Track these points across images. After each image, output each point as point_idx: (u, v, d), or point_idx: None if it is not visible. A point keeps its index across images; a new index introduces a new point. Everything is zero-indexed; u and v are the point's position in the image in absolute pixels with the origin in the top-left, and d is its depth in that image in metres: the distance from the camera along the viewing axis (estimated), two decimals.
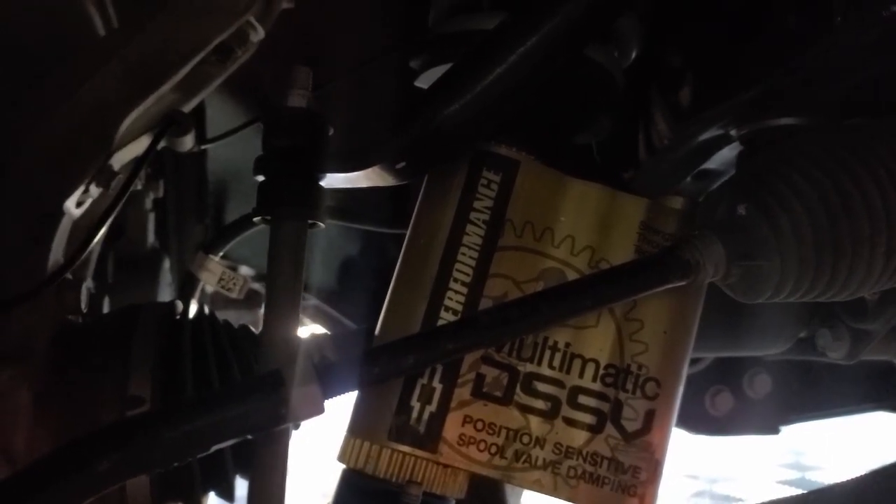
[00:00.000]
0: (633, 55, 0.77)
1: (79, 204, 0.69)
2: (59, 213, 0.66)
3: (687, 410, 1.09)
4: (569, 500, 0.63)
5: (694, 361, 1.05)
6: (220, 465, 0.67)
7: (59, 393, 0.63)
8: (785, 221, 0.57)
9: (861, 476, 0.97)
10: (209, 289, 0.87)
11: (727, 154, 0.79)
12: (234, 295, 0.85)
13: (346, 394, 0.59)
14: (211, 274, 0.83)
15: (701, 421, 1.12)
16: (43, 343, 0.63)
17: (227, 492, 0.68)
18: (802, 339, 0.92)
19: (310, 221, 0.64)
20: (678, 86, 0.83)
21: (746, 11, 0.73)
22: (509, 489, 1.05)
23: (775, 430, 1.15)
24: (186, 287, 0.82)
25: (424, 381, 0.62)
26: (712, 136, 0.77)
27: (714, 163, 0.81)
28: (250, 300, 1.27)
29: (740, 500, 2.74)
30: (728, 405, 1.12)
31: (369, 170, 0.64)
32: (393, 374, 0.58)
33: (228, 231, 0.84)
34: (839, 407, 1.17)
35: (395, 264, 0.66)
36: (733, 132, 0.76)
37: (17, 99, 0.70)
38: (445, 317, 0.63)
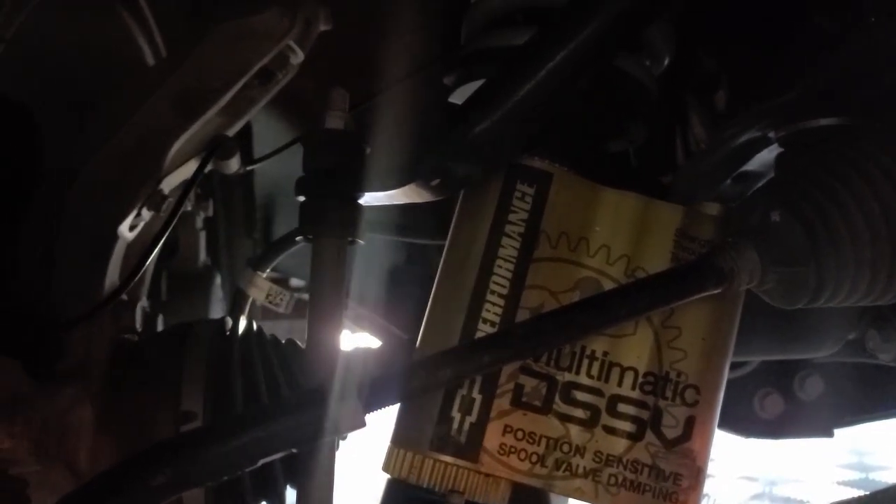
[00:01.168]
0: (666, 62, 0.77)
1: (132, 227, 0.72)
2: (114, 237, 0.70)
3: (735, 413, 1.08)
4: None
5: (740, 364, 1.04)
6: (272, 476, 0.69)
7: (117, 409, 0.66)
8: (820, 227, 0.57)
9: None
10: (258, 302, 0.90)
11: (766, 156, 0.78)
12: (281, 310, 0.87)
13: (386, 407, 0.60)
14: (259, 290, 0.86)
15: (751, 424, 1.10)
16: (102, 361, 0.66)
17: (277, 502, 0.71)
18: (852, 340, 0.91)
19: (349, 239, 0.66)
20: (713, 89, 0.83)
21: (780, 13, 0.73)
22: (554, 497, 1.06)
23: (829, 433, 1.13)
24: (236, 303, 0.85)
25: (464, 391, 0.63)
26: (750, 139, 0.76)
27: (754, 165, 0.80)
28: (300, 310, 1.30)
29: (802, 502, 2.67)
30: (778, 408, 1.10)
31: (406, 187, 0.66)
32: (432, 387, 0.60)
33: (274, 248, 0.87)
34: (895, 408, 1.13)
35: None
36: (771, 134, 0.75)
37: (73, 129, 0.74)
38: (483, 329, 0.64)
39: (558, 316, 0.62)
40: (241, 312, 0.83)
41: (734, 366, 0.73)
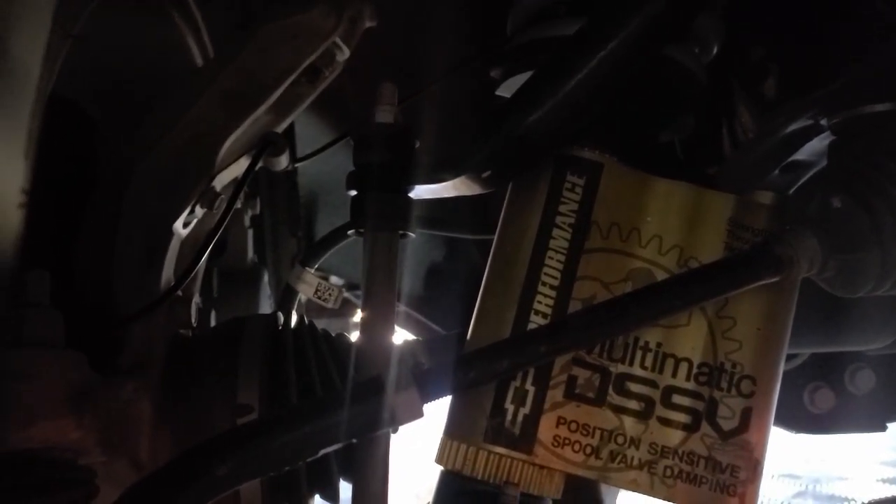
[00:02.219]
0: (715, 50, 0.76)
1: (186, 224, 0.74)
2: (169, 234, 0.71)
3: (785, 408, 1.06)
4: (667, 499, 0.63)
5: (789, 357, 1.02)
6: (326, 468, 0.70)
7: (175, 402, 0.67)
8: (885, 212, 0.56)
9: None
10: (303, 298, 0.91)
11: (817, 144, 0.77)
12: (329, 305, 0.88)
13: (441, 398, 0.61)
14: (308, 286, 0.87)
15: (801, 419, 1.08)
16: (160, 356, 0.68)
17: (332, 494, 0.71)
18: None
19: (400, 232, 0.66)
20: (762, 77, 0.82)
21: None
22: (605, 488, 1.05)
23: (882, 428, 1.10)
24: (286, 299, 0.86)
25: (517, 383, 0.63)
26: (801, 127, 0.75)
27: (803, 154, 0.79)
28: (341, 308, 1.31)
29: (846, 499, 2.63)
30: (829, 402, 1.08)
31: (456, 180, 0.66)
32: (488, 378, 0.60)
33: (323, 244, 0.88)
34: None
35: (479, 268, 0.68)
36: (823, 121, 0.74)
37: (127, 129, 0.75)
38: (535, 321, 0.64)
39: (613, 306, 0.61)
40: (291, 307, 0.84)
41: (785, 358, 0.72)
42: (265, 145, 0.77)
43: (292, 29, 0.75)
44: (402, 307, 1.36)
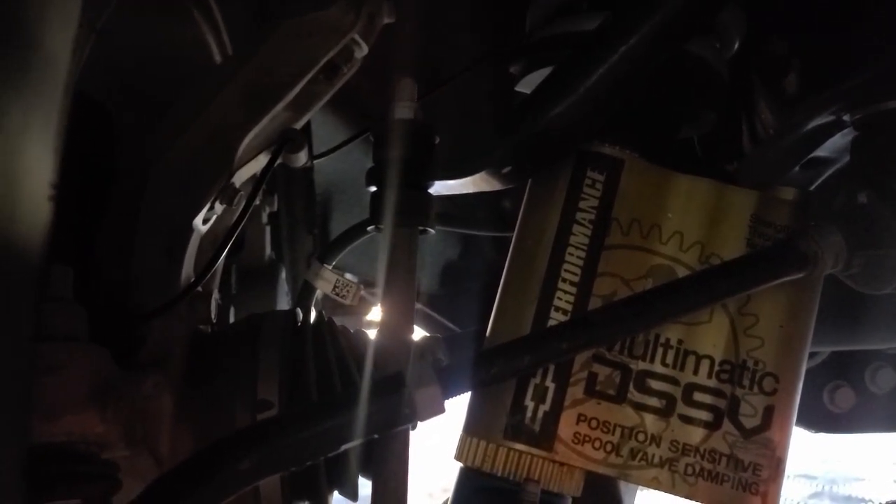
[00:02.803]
0: (736, 45, 0.76)
1: (205, 221, 0.74)
2: (189, 230, 0.71)
3: (805, 407, 1.04)
4: (688, 497, 0.63)
5: (809, 356, 1.01)
6: (345, 465, 0.70)
7: (195, 398, 0.67)
8: None
9: None
10: (320, 295, 0.91)
11: (839, 141, 0.76)
12: (347, 301, 0.88)
13: (462, 394, 0.60)
14: (326, 282, 0.87)
15: (821, 418, 1.08)
16: (180, 351, 0.68)
17: (351, 491, 0.71)
18: None
19: (420, 228, 0.66)
20: (783, 73, 0.81)
21: None
22: (623, 486, 1.05)
23: None
24: (304, 295, 0.86)
25: (537, 380, 0.63)
26: (823, 123, 0.75)
27: (825, 150, 0.78)
28: (356, 306, 1.31)
29: (863, 500, 2.60)
30: (850, 401, 1.07)
31: (476, 176, 0.66)
32: (509, 374, 0.59)
33: (341, 240, 0.87)
34: None
35: (494, 266, 0.68)
36: (846, 117, 0.73)
37: (147, 126, 0.76)
38: (555, 317, 0.64)
39: (634, 303, 0.61)
40: (309, 304, 0.84)
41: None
42: (284, 142, 0.77)
43: (311, 26, 0.75)
44: (416, 305, 1.36)
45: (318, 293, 0.89)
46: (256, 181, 0.76)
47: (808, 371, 1.04)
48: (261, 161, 0.78)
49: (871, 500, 2.60)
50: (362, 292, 1.09)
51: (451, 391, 0.57)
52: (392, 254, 0.64)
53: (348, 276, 1.33)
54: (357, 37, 0.78)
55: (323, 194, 1.24)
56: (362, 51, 0.80)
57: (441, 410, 0.56)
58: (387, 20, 0.81)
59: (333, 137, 1.01)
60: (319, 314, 0.78)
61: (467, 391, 0.60)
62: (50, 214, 0.37)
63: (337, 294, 0.87)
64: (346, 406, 0.54)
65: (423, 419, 0.56)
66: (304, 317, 0.76)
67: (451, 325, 1.35)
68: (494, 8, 0.89)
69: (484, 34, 0.90)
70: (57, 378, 0.54)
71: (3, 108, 0.34)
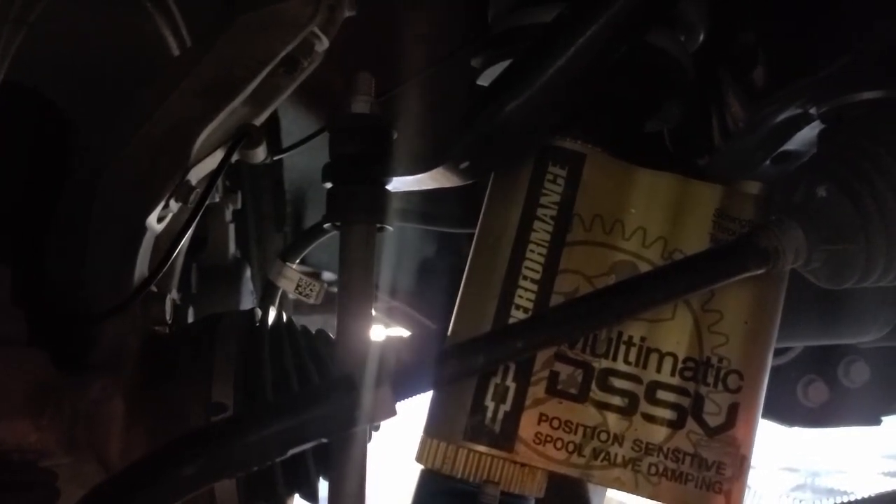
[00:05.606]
0: (701, 37, 0.75)
1: (160, 219, 0.72)
2: (143, 228, 0.70)
3: (779, 402, 1.05)
4: (651, 497, 0.61)
5: (782, 351, 1.01)
6: (303, 467, 0.68)
7: (148, 401, 0.66)
8: (870, 201, 0.54)
9: None
10: (292, 295, 0.90)
11: (808, 133, 0.75)
12: (311, 301, 0.86)
13: (420, 395, 0.59)
14: (289, 281, 0.85)
15: (795, 413, 1.07)
16: (133, 354, 0.66)
17: (310, 493, 0.70)
18: None
19: (378, 225, 0.64)
20: (751, 65, 0.80)
21: None
22: (592, 487, 1.04)
23: (876, 421, 1.09)
24: (266, 295, 0.85)
25: (498, 380, 0.62)
26: (791, 116, 0.74)
27: (794, 144, 0.77)
28: (333, 304, 1.30)
29: (845, 492, 2.61)
30: (823, 396, 1.06)
31: (435, 171, 0.64)
32: (464, 374, 0.58)
33: (303, 239, 0.86)
34: None
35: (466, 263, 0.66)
36: (813, 110, 0.72)
37: (101, 122, 0.74)
38: (516, 315, 0.62)
39: (593, 300, 0.60)
40: (271, 303, 0.83)
41: (776, 352, 0.71)
42: (240, 137, 0.75)
43: (269, 18, 0.73)
44: (395, 303, 1.34)
45: (290, 293, 0.87)
46: (211, 177, 0.74)
47: (781, 366, 1.04)
48: (218, 157, 0.76)
49: (853, 493, 2.62)
50: (332, 290, 1.07)
51: (404, 393, 0.56)
52: (348, 252, 0.63)
53: (326, 275, 1.32)
54: (317, 30, 0.76)
55: (295, 192, 1.23)
56: (323, 44, 0.78)
57: (392, 413, 0.55)
58: (348, 13, 0.79)
59: (305, 133, 0.99)
60: (279, 314, 0.76)
61: (422, 392, 0.59)
62: None
63: (300, 293, 0.86)
64: (294, 409, 0.52)
65: (374, 422, 0.55)
66: (262, 316, 0.74)
67: (428, 323, 1.34)
68: (457, 1, 0.87)
69: (447, 28, 0.88)
70: None
71: None
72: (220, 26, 0.73)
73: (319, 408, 0.52)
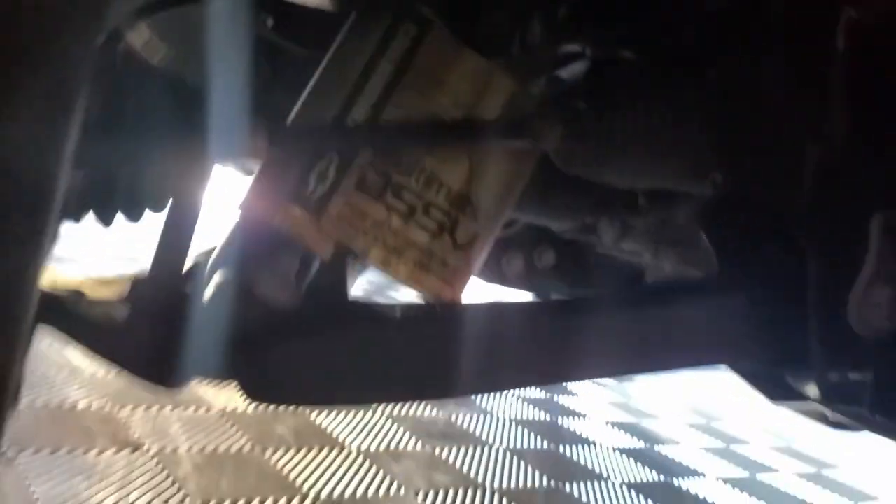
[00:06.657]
0: None
1: None
2: None
3: (488, 263, 1.36)
4: (405, 278, 0.86)
5: (510, 223, 1.30)
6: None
7: None
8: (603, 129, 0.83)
9: None
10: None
11: (579, 67, 1.02)
12: (154, 62, 0.96)
13: None
14: (138, 35, 0.94)
15: (494, 274, 1.40)
16: None
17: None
18: (589, 224, 1.20)
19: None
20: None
21: None
22: (350, 268, 1.27)
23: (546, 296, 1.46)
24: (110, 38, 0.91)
25: (323, 167, 0.81)
26: (569, 52, 1.00)
27: (567, 73, 1.04)
28: None
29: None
30: (518, 268, 1.41)
31: None
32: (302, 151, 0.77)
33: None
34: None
35: None
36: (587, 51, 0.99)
37: None
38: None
39: (396, 128, 0.82)
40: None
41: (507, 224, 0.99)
42: None
43: None
44: None
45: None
46: None
47: (506, 235, 1.35)
48: None
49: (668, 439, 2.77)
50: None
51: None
52: None
53: None
54: None
55: None
56: None
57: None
58: None
59: None
60: None
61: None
62: None
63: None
64: None
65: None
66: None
67: None
68: None
69: None
70: None
71: None
72: None
73: None
